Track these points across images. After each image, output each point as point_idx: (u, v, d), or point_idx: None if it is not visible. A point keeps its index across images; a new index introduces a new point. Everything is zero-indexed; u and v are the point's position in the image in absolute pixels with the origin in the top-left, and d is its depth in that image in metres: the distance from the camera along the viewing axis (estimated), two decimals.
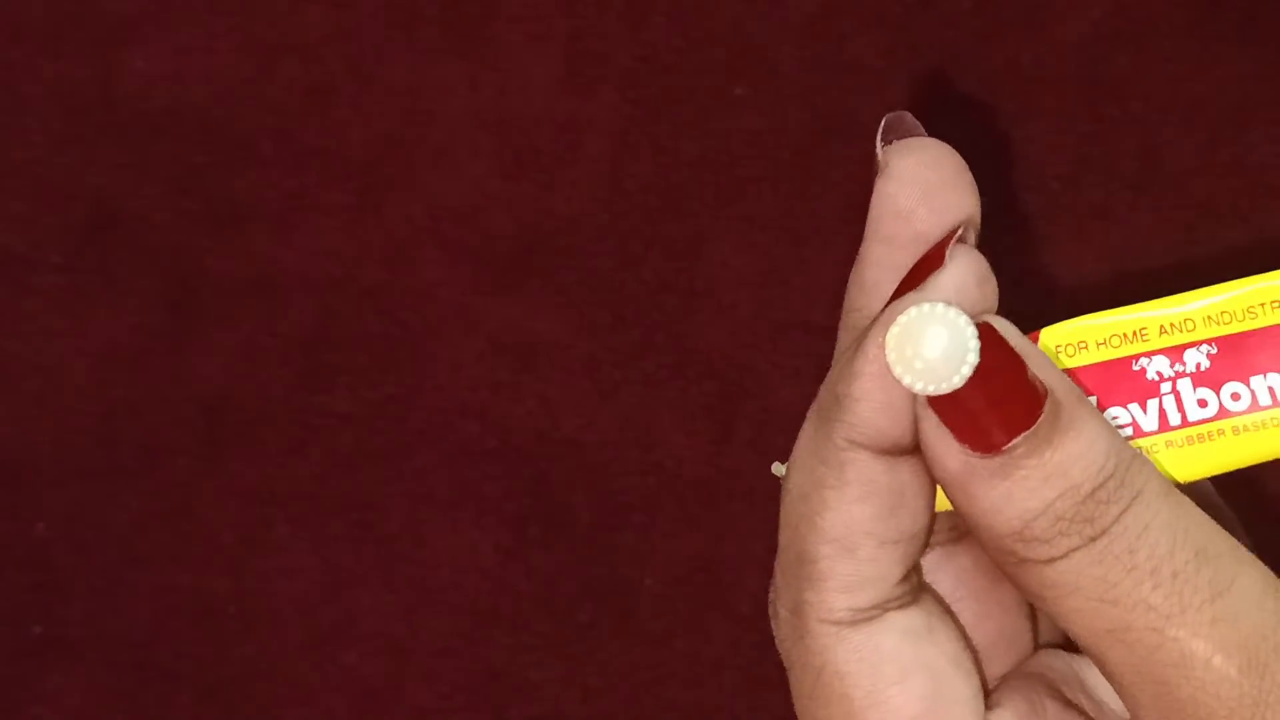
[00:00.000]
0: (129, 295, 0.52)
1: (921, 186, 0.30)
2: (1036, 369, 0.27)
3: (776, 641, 0.30)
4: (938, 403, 0.27)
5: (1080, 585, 0.27)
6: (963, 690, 0.29)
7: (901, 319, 0.27)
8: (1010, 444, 0.27)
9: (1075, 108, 0.52)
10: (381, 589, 0.51)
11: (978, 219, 0.30)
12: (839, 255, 0.52)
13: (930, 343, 0.27)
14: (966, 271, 0.28)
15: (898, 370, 0.27)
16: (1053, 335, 0.30)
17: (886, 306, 0.28)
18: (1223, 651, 0.27)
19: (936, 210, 0.30)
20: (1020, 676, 0.31)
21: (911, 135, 0.30)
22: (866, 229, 0.30)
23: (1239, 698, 0.27)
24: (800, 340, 0.51)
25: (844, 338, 0.31)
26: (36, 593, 0.52)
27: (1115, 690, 0.28)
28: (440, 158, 0.53)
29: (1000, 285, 0.30)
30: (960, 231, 0.29)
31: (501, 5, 0.53)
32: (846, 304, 0.30)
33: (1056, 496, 0.27)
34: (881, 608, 0.29)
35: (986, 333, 0.27)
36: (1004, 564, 0.28)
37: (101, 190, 0.53)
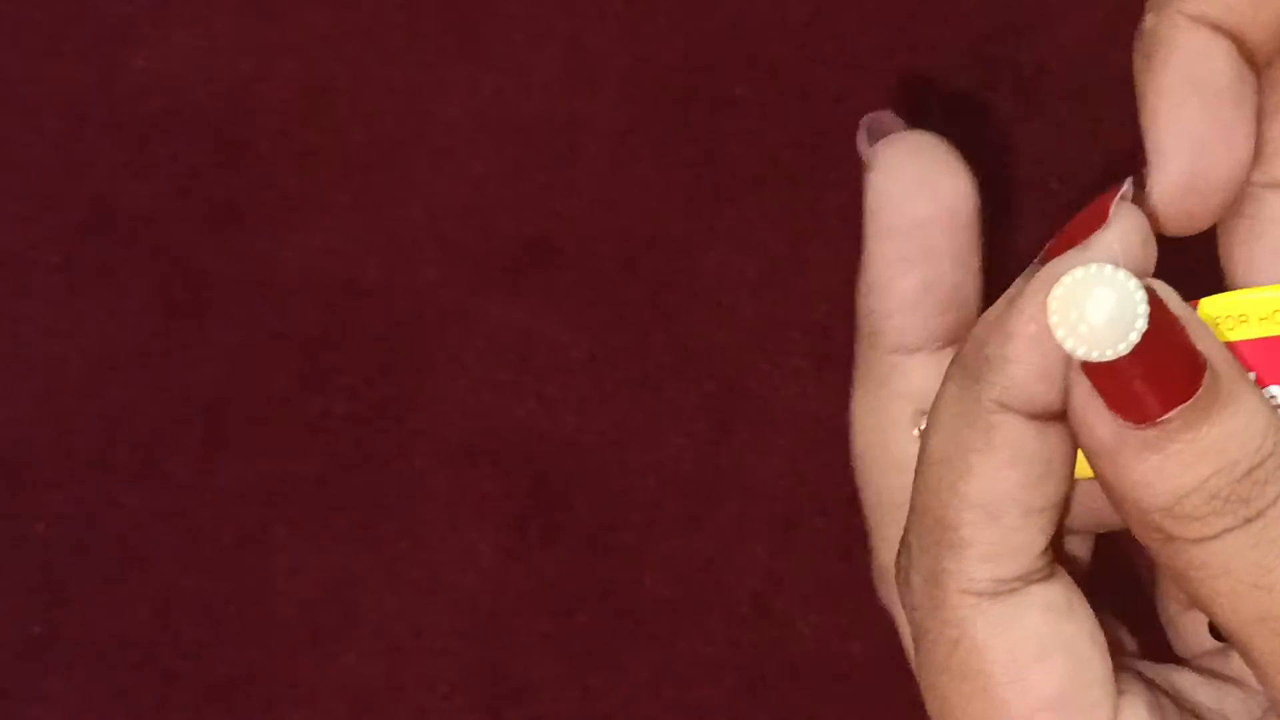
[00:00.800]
0: (129, 295, 0.52)
1: (913, 173, 0.29)
2: (1197, 339, 0.26)
3: (906, 611, 0.29)
4: (1092, 368, 0.26)
5: (1231, 568, 0.26)
6: (1100, 670, 0.28)
7: (1066, 279, 0.26)
8: (1166, 416, 0.25)
9: (1075, 108, 0.52)
10: (381, 589, 0.51)
11: (976, 198, 0.29)
12: (839, 255, 0.52)
13: (1096, 306, 0.25)
14: (1133, 230, 0.27)
15: (1060, 333, 0.26)
16: (1213, 305, 0.28)
17: (1045, 263, 0.27)
18: None
19: (933, 194, 0.29)
20: (1129, 670, 0.30)
21: (892, 132, 0.29)
22: (866, 228, 0.29)
23: None
24: (800, 340, 0.51)
25: (865, 346, 0.29)
26: (36, 593, 0.52)
27: (1258, 679, 0.27)
28: (440, 158, 0.52)
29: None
30: (1124, 188, 0.28)
31: (501, 5, 0.53)
32: (860, 310, 0.29)
33: (1212, 473, 0.26)
34: (1024, 579, 0.28)
35: (1151, 298, 0.26)
36: (1149, 541, 0.27)
37: (101, 190, 0.53)
